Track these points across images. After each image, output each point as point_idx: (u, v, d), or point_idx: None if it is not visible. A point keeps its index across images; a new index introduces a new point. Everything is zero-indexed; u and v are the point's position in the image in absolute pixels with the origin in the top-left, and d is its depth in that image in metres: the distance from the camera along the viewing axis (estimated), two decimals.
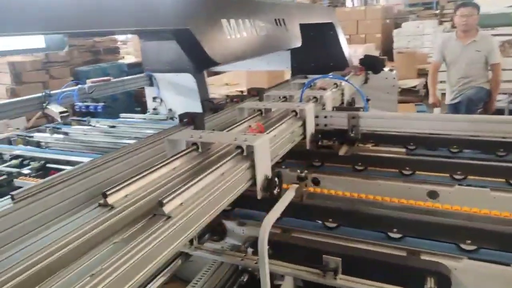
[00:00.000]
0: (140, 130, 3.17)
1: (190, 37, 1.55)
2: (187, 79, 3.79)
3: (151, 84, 4.07)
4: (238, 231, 1.62)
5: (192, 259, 1.60)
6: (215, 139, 1.48)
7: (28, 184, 2.18)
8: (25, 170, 2.33)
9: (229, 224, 1.63)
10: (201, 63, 1.74)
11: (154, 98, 4.10)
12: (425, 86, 7.15)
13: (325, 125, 2.14)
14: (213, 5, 1.81)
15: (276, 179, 1.43)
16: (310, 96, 2.36)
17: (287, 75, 7.10)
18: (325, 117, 2.13)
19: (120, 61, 8.00)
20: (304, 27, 3.10)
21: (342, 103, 2.75)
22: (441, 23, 9.77)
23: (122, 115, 3.96)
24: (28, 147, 2.85)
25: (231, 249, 1.57)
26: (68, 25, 1.29)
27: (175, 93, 4.02)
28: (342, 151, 2.05)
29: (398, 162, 2.04)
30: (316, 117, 2.09)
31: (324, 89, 2.64)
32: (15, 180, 2.25)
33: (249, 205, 1.60)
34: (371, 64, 3.60)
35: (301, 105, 2.00)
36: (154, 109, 4.10)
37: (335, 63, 3.87)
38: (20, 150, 2.64)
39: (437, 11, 10.82)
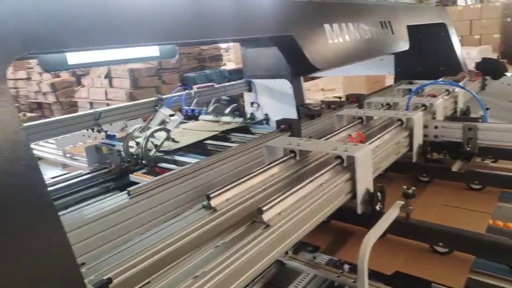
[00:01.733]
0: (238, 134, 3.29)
1: (292, 43, 1.54)
2: (284, 85, 3.83)
3: (250, 90, 4.22)
4: None
5: (286, 268, 1.58)
6: (313, 148, 1.45)
7: (140, 180, 2.42)
8: (139, 167, 2.59)
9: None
10: (301, 69, 1.72)
11: (252, 103, 4.23)
12: None
13: (435, 136, 1.94)
14: (317, 11, 1.78)
15: (378, 193, 1.34)
16: (418, 104, 2.17)
17: (389, 80, 6.69)
18: (436, 127, 1.93)
19: (222, 67, 8.48)
20: (412, 29, 2.88)
21: (455, 112, 2.48)
22: None
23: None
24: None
25: (326, 263, 1.51)
26: (180, 36, 1.39)
27: (271, 99, 4.10)
28: (456, 166, 1.82)
29: None
30: (425, 127, 1.91)
31: (434, 96, 2.41)
32: (130, 175, 2.51)
33: (346, 218, 1.53)
34: (489, 69, 3.18)
35: (408, 114, 1.84)
36: (251, 113, 4.23)
37: (446, 67, 3.51)
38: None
39: None
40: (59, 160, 3.26)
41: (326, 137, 1.64)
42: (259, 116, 4.15)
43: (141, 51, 2.82)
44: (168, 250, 0.91)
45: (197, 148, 2.85)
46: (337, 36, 1.86)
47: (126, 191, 1.29)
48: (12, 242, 0.64)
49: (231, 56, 10.77)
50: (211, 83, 4.26)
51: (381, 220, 1.29)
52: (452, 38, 3.63)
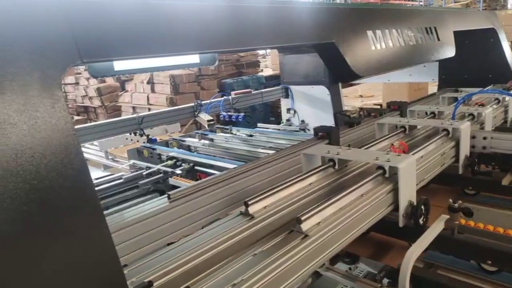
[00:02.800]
0: (274, 140, 3.29)
1: (333, 50, 1.52)
2: (321, 91, 3.79)
3: (287, 96, 4.21)
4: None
5: (322, 278, 1.55)
6: (353, 157, 1.41)
7: (179, 183, 2.48)
8: (178, 171, 2.65)
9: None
10: (343, 76, 1.69)
11: (288, 110, 4.22)
12: None
13: (484, 147, 1.83)
14: (359, 17, 1.75)
15: (422, 206, 1.28)
16: (465, 113, 2.06)
17: (431, 88, 6.43)
18: (484, 138, 1.82)
19: (259, 74, 8.54)
20: (459, 35, 2.75)
21: (505, 122, 2.34)
22: None
23: (259, 125, 4.19)
24: (181, 150, 3.25)
25: (364, 275, 1.47)
26: (221, 45, 1.41)
27: (308, 105, 4.07)
28: (506, 180, 1.71)
29: None
30: (473, 137, 1.81)
31: (482, 105, 2.29)
32: (169, 179, 2.57)
33: (387, 230, 1.47)
34: None
35: (455, 123, 1.76)
36: (288, 120, 4.22)
37: (495, 74, 3.32)
38: (174, 152, 3.03)
39: None
40: (101, 161, 3.40)
41: (366, 146, 1.60)
42: (295, 122, 4.13)
43: (182, 59, 2.92)
44: (207, 256, 0.92)
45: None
46: (380, 43, 1.82)
47: (166, 195, 1.32)
48: (61, 241, 0.67)
49: (268, 63, 10.81)
50: (249, 89, 4.30)
51: (425, 234, 1.24)
52: (502, 44, 3.44)
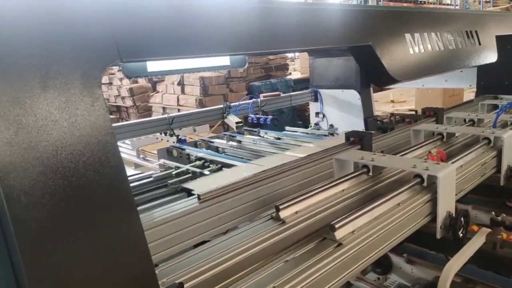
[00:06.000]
0: (302, 144, 3.25)
1: (370, 53, 1.48)
2: (352, 96, 3.72)
3: (316, 100, 4.16)
4: (406, 269, 1.45)
5: None
6: (389, 164, 1.36)
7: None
8: (206, 171, 2.66)
9: (396, 259, 1.47)
10: (379, 80, 1.64)
11: (317, 113, 4.17)
12: None
13: None
14: (397, 20, 1.70)
15: (462, 218, 1.22)
16: (507, 121, 1.96)
17: (467, 94, 6.19)
18: None
19: (287, 77, 8.51)
20: (500, 39, 2.62)
21: None
22: None
23: (287, 128, 4.16)
24: (209, 151, 3.27)
25: (396, 287, 1.41)
26: (251, 47, 1.40)
27: (337, 109, 4.00)
28: None
29: None
30: None
31: None
32: (197, 179, 2.58)
33: (422, 242, 1.41)
34: None
35: (497, 132, 1.67)
36: (316, 124, 4.16)
37: None
38: (203, 153, 3.05)
39: None
40: (132, 160, 3.48)
41: (402, 153, 1.54)
42: (324, 126, 4.07)
43: (213, 60, 2.94)
44: (238, 259, 0.91)
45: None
46: (419, 46, 1.75)
47: (196, 195, 1.32)
48: (96, 238, 0.67)
49: (297, 66, 10.75)
50: (277, 92, 4.28)
51: (465, 248, 1.17)
52: None
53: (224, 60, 3.05)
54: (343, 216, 0.97)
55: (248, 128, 3.74)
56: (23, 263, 0.60)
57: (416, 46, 1.73)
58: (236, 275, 0.85)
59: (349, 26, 1.52)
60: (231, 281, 0.83)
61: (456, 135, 1.84)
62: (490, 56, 2.41)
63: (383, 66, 1.51)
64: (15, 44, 0.67)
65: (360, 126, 3.50)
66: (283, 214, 1.07)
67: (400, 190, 1.16)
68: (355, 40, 1.48)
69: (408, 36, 1.68)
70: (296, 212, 1.10)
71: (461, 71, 3.51)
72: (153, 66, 2.63)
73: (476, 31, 2.33)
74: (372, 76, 1.68)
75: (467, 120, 2.07)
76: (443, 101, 5.78)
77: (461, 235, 1.22)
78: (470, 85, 3.69)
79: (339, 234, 0.93)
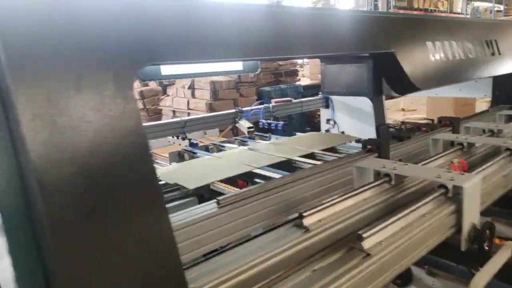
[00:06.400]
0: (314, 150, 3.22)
1: (392, 60, 1.47)
2: (364, 103, 3.69)
3: (327, 106, 4.14)
4: (427, 281, 1.42)
5: None
6: (412, 173, 1.34)
7: (221, 189, 2.46)
8: None
9: (416, 270, 1.44)
10: (400, 88, 1.63)
11: (328, 120, 4.14)
12: None
13: None
14: (419, 27, 1.68)
15: (487, 231, 1.19)
16: None
17: (479, 104, 6.12)
18: None
19: (297, 83, 8.50)
20: None
21: None
22: None
23: (298, 134, 4.14)
24: None
25: None
26: (264, 53, 1.39)
27: (349, 116, 3.98)
28: None
29: None
30: None
31: None
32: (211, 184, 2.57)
33: (445, 253, 1.38)
34: None
35: None
36: (327, 130, 4.14)
37: None
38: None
39: None
40: None
41: (424, 162, 1.51)
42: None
43: (226, 65, 2.94)
44: (262, 267, 0.89)
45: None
46: (440, 54, 1.73)
47: (215, 200, 1.31)
48: (128, 239, 0.66)
49: (306, 72, 10.74)
50: (289, 98, 4.27)
51: (491, 262, 1.14)
52: None
53: (237, 65, 3.06)
54: (370, 226, 0.95)
55: (259, 133, 3.73)
56: (55, 262, 0.60)
57: (438, 54, 1.71)
58: (262, 282, 0.83)
59: (372, 33, 1.51)
60: None
61: (476, 145, 1.81)
62: (509, 66, 2.39)
63: (406, 74, 1.50)
64: (50, 44, 0.67)
65: (371, 133, 3.46)
66: (306, 221, 1.05)
67: (425, 201, 1.13)
68: (378, 47, 1.46)
69: (429, 44, 1.66)
70: (320, 220, 1.08)
71: (476, 81, 3.47)
72: (166, 69, 2.63)
73: (495, 40, 2.30)
74: (394, 83, 1.66)
75: (486, 130, 2.03)
76: (455, 110, 5.73)
77: (486, 248, 1.19)
78: (485, 95, 3.65)
79: (367, 244, 0.91)
